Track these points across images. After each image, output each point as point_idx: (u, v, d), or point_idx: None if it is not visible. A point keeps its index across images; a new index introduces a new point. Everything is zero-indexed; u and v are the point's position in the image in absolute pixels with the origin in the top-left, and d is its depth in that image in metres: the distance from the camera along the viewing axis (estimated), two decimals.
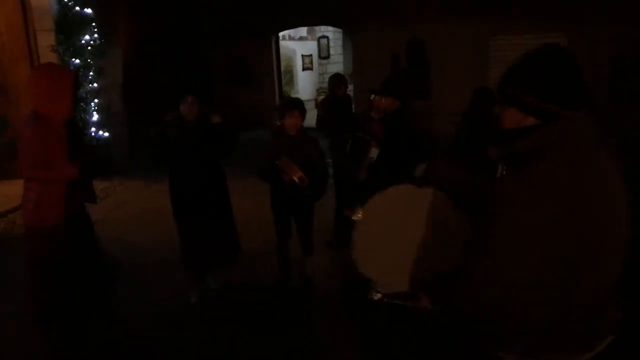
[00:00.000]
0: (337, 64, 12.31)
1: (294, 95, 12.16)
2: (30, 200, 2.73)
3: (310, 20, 10.41)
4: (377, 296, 1.72)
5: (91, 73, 6.78)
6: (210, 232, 3.57)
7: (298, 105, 3.60)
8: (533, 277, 1.27)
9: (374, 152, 3.61)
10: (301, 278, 3.84)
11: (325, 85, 14.07)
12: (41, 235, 2.78)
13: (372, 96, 3.85)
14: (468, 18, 7.97)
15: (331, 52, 12.46)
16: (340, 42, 12.07)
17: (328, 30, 11.91)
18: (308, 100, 8.28)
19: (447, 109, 7.29)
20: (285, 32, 11.02)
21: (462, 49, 8.25)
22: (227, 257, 3.72)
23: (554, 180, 1.26)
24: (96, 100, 6.94)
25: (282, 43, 11.02)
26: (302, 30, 12.06)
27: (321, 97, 7.72)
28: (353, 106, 5.92)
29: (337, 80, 5.23)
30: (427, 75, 8.72)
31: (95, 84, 6.87)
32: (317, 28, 12.00)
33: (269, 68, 10.56)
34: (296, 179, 3.33)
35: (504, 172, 1.50)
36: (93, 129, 6.80)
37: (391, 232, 1.76)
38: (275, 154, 3.43)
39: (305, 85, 12.97)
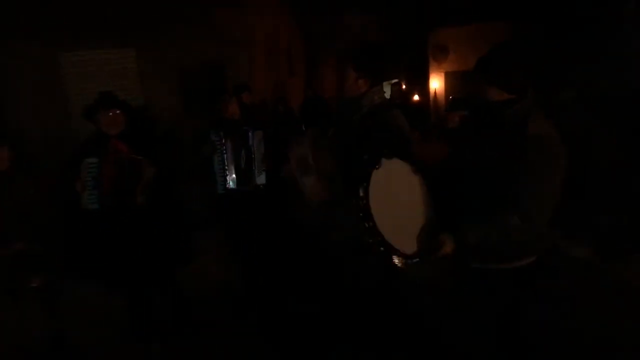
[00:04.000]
0: None
1: None
2: None
3: None
4: (401, 262, 1.98)
5: None
6: None
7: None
8: (550, 203, 1.92)
9: (150, 172, 3.42)
10: None
11: None
12: None
13: (110, 112, 3.44)
14: (35, 34, 6.92)
15: None
16: None
17: None
18: None
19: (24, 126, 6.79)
20: None
21: (33, 65, 7.07)
22: None
23: (553, 133, 1.91)
24: None
25: None
26: None
27: None
28: None
29: None
30: None
31: None
32: None
33: None
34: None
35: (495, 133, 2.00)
36: None
37: (393, 201, 2.06)
38: None
39: None
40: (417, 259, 1.96)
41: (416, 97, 9.60)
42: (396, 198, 2.08)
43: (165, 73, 8.07)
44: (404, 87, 9.77)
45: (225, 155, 3.70)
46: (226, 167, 3.70)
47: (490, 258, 2.06)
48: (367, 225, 1.90)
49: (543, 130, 1.91)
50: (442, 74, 9.35)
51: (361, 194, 1.94)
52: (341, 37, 9.01)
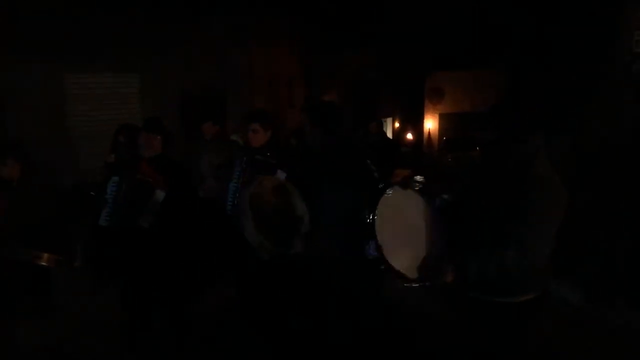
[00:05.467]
0: None
1: None
2: None
3: None
4: (413, 284, 2.10)
5: None
6: None
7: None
8: (548, 242, 2.06)
9: (159, 195, 3.46)
10: None
11: None
12: None
13: (144, 134, 3.69)
14: (41, 54, 7.03)
15: None
16: None
17: None
18: None
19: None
20: None
21: (37, 84, 7.16)
22: None
23: (556, 175, 2.07)
24: None
25: None
26: None
27: None
28: None
29: None
30: None
31: None
32: None
33: None
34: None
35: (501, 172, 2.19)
36: None
37: (399, 228, 2.22)
38: None
39: None
40: (418, 284, 2.09)
41: (409, 136, 9.82)
42: (403, 224, 2.23)
43: (166, 98, 8.19)
44: (397, 125, 10.01)
45: (240, 178, 3.68)
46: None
47: (488, 290, 2.16)
48: (371, 245, 2.07)
49: (547, 172, 2.06)
50: (437, 115, 9.62)
51: (368, 215, 2.11)
52: (341, 73, 9.25)
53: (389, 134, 10.25)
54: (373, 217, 2.11)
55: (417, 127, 9.80)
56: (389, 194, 2.22)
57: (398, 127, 10.06)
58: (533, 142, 2.09)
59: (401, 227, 2.21)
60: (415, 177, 2.45)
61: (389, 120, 10.01)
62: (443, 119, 9.58)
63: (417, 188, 2.36)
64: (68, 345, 3.43)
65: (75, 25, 7.16)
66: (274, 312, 3.65)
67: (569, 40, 6.13)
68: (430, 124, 9.78)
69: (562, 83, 6.21)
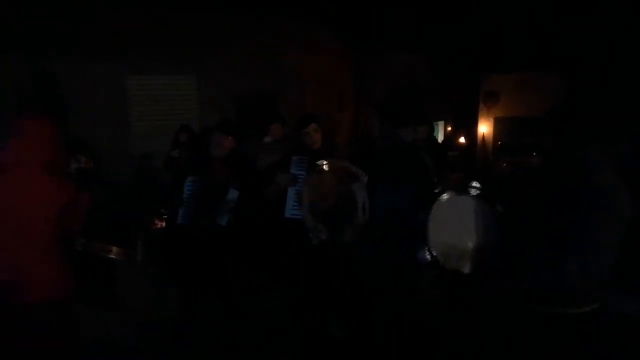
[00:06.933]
0: None
1: None
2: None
3: None
4: (467, 289, 2.24)
5: None
6: None
7: None
8: (609, 254, 1.99)
9: (233, 193, 3.54)
10: None
11: None
12: None
13: (216, 134, 3.75)
14: (103, 55, 7.42)
15: None
16: None
17: None
18: None
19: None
20: None
21: (99, 86, 7.56)
22: None
23: (617, 187, 1.98)
24: None
25: None
26: None
27: None
28: None
29: None
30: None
31: None
32: None
33: None
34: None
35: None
36: None
37: (454, 232, 2.26)
38: None
39: None
40: (471, 289, 2.13)
41: (462, 140, 9.62)
42: (459, 229, 2.23)
43: (221, 101, 8.41)
44: (449, 128, 9.84)
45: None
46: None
47: (545, 300, 2.08)
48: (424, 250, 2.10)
49: (609, 181, 1.98)
50: (492, 119, 9.36)
51: (423, 219, 2.15)
52: (392, 76, 9.19)
53: (440, 138, 10.08)
54: (426, 221, 2.12)
55: (471, 130, 9.58)
56: (444, 198, 2.21)
57: (450, 131, 9.88)
58: (594, 150, 2.02)
59: (457, 232, 2.19)
60: (472, 183, 2.42)
61: (441, 123, 9.84)
62: (498, 123, 9.32)
63: (475, 193, 2.36)
64: (130, 339, 3.56)
65: (138, 29, 7.47)
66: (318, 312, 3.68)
67: (633, 41, 5.84)
68: (485, 128, 9.54)
69: (627, 86, 5.92)
